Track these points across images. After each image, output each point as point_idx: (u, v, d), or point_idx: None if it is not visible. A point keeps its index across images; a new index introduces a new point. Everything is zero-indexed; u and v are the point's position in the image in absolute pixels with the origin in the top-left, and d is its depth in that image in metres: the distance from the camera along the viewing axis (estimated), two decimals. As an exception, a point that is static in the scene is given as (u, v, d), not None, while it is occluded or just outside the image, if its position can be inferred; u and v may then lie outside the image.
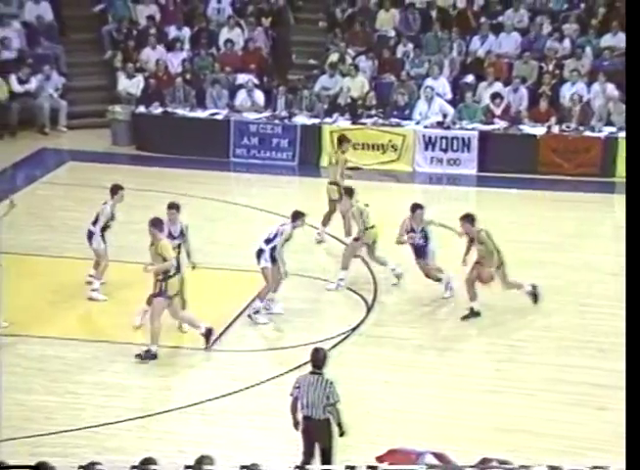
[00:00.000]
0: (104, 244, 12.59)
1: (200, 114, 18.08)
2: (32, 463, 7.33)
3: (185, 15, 20.52)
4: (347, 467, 7.43)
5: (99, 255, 12.57)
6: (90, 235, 12.51)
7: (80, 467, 7.17)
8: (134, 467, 7.18)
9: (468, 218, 12.21)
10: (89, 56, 20.26)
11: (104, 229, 12.55)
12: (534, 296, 12.30)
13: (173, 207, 12.20)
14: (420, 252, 12.56)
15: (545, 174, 17.07)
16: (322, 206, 16.20)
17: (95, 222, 12.47)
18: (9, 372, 10.84)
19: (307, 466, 8.22)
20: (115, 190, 12.78)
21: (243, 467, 7.39)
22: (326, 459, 8.67)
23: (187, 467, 7.31)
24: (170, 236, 11.85)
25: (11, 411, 10.13)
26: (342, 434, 8.80)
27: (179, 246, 11.72)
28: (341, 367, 11.19)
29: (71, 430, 9.83)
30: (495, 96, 17.94)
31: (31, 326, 11.47)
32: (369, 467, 7.50)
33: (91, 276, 12.62)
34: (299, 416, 8.82)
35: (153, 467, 7.16)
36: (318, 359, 8.82)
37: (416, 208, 12.57)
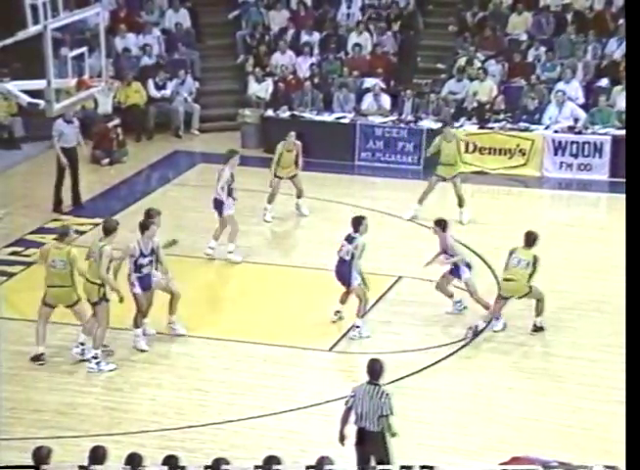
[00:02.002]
0: (232, 210, 13.35)
1: (326, 117, 18.22)
2: (161, 456, 7.57)
3: (315, 20, 20.75)
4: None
5: (230, 221, 13.33)
6: (219, 204, 13.22)
7: (207, 467, 7.33)
8: (258, 467, 7.30)
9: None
10: (223, 61, 20.72)
11: (229, 194, 13.25)
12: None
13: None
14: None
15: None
16: (449, 210, 16.10)
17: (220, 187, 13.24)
18: (139, 368, 11.21)
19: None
20: (231, 154, 13.57)
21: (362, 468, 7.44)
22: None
23: (308, 467, 7.39)
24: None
25: (141, 406, 10.47)
26: (393, 435, 8.47)
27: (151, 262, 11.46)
28: (464, 372, 11.13)
29: (198, 426, 10.06)
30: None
31: (160, 323, 11.79)
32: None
33: (212, 248, 13.46)
34: (349, 429, 8.57)
35: (276, 467, 7.26)
36: (374, 371, 8.59)
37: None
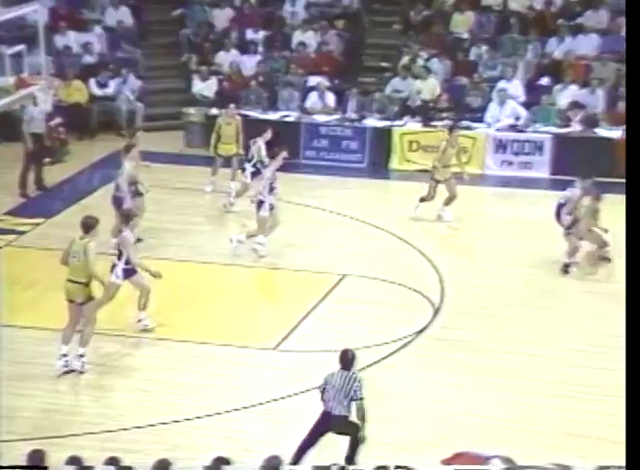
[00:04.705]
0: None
1: (271, 115, 18.20)
2: (103, 458, 7.51)
3: (260, 18, 20.69)
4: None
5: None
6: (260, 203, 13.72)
7: (155, 468, 7.29)
8: (207, 467, 7.27)
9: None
10: (166, 59, 20.55)
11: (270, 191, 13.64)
12: None
13: None
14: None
15: (621, 178, 16.68)
16: (391, 208, 16.21)
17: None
18: (88, 370, 11.07)
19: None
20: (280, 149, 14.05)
21: (317, 467, 7.50)
22: (353, 452, 8.88)
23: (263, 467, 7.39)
24: None
25: (85, 407, 10.39)
26: (363, 437, 8.89)
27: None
28: (407, 370, 11.21)
29: (141, 427, 10.00)
30: (574, 105, 17.60)
31: (107, 323, 11.68)
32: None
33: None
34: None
35: (225, 467, 7.25)
36: (346, 360, 9.03)
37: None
